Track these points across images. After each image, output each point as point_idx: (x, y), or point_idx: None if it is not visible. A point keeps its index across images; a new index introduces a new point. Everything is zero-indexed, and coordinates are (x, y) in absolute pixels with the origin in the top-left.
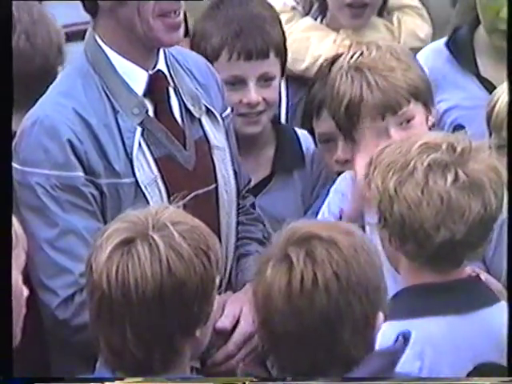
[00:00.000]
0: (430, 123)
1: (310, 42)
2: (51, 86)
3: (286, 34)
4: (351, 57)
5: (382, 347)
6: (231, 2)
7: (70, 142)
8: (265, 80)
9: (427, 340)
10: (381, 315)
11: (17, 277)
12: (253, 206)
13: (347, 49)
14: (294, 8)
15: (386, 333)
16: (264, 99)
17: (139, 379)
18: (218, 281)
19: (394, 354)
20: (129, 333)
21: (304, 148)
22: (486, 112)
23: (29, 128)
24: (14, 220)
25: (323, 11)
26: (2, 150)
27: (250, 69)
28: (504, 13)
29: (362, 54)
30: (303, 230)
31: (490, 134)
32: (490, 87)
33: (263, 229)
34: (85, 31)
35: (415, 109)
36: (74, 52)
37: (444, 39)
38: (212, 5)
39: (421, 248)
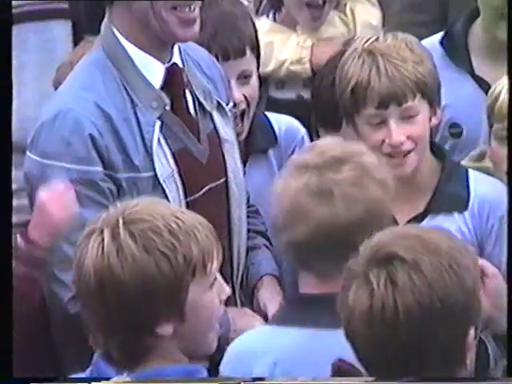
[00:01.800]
0: (432, 124)
1: (273, 47)
2: (70, 79)
3: None
4: (366, 41)
5: None
6: (203, 5)
7: (91, 136)
8: (244, 77)
9: (283, 349)
10: (472, 332)
11: None
12: (248, 199)
13: (310, 49)
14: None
15: (263, 333)
16: (245, 96)
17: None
18: (191, 278)
19: None
20: (88, 323)
21: (276, 128)
22: (488, 104)
23: (51, 121)
24: None
25: (276, 7)
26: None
27: (228, 68)
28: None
29: (377, 39)
30: (386, 250)
31: (491, 127)
32: (484, 86)
33: (264, 221)
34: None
35: (420, 105)
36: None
37: (438, 36)
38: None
39: (282, 249)
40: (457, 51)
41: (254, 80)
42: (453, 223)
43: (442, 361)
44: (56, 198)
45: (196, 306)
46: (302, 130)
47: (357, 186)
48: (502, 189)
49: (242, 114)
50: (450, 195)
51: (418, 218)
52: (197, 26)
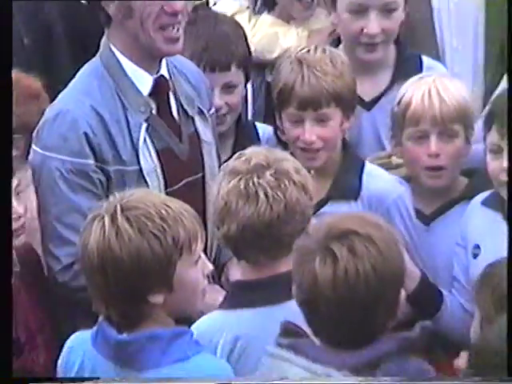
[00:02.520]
0: (344, 127)
1: (277, 36)
2: (71, 84)
3: (254, 31)
4: (300, 50)
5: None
6: (203, 21)
7: (86, 134)
8: (228, 87)
9: (240, 328)
10: (403, 291)
11: None
12: None
13: (306, 38)
14: (248, 7)
15: (216, 320)
16: (227, 103)
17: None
18: (188, 261)
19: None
20: (92, 293)
21: (260, 134)
22: (397, 111)
23: (52, 119)
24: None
25: (269, 6)
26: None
27: (214, 79)
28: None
29: (308, 51)
30: (342, 227)
31: (401, 130)
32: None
33: None
34: None
35: (334, 112)
36: None
37: None
38: (188, 21)
39: (221, 243)
40: None
41: (240, 90)
42: (349, 209)
43: (385, 316)
44: None
45: (182, 279)
46: None
47: (278, 188)
48: (392, 183)
49: (224, 116)
50: (343, 185)
51: (321, 203)
52: (180, 43)
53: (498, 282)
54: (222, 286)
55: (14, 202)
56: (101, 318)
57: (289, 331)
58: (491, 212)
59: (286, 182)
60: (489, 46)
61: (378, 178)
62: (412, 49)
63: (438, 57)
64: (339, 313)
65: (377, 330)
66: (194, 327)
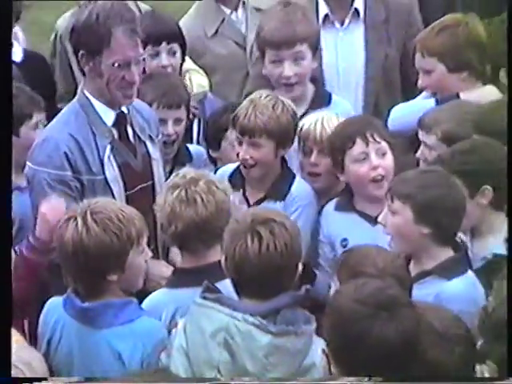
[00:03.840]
0: (278, 153)
1: None
2: (56, 118)
3: None
4: (257, 94)
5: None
6: (159, 76)
7: (65, 153)
8: (178, 121)
9: (179, 302)
10: (300, 264)
11: None
12: None
13: None
14: None
15: (163, 295)
16: (176, 132)
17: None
18: (136, 251)
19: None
20: (65, 272)
21: (192, 151)
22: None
23: (41, 143)
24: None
25: None
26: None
27: (168, 114)
28: None
29: (260, 96)
30: (264, 216)
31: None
32: None
33: None
34: None
35: (265, 142)
36: None
37: None
38: (149, 75)
39: (168, 241)
40: None
41: (184, 123)
42: (276, 206)
43: (288, 279)
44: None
45: (131, 264)
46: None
47: (209, 193)
48: (308, 188)
49: (173, 142)
50: (276, 190)
51: (260, 201)
52: (134, 97)
53: (352, 264)
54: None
55: None
56: (69, 290)
57: (210, 289)
58: (346, 214)
59: (214, 189)
60: (368, 98)
61: (300, 188)
62: None
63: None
64: (260, 275)
65: (281, 288)
66: (146, 300)
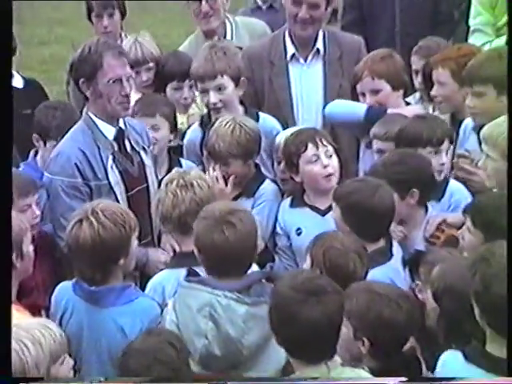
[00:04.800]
0: (247, 164)
1: None
2: (67, 136)
3: None
4: (221, 122)
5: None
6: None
7: (76, 164)
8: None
9: (179, 279)
10: (263, 244)
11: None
12: None
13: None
14: None
15: (165, 274)
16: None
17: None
18: (134, 238)
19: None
20: (83, 265)
21: (184, 165)
22: (272, 148)
23: (55, 156)
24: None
25: None
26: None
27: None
28: None
29: (221, 123)
30: (221, 211)
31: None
32: None
33: None
34: None
35: (233, 161)
36: None
37: None
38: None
39: (169, 230)
40: None
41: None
42: (249, 201)
43: (249, 258)
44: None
45: (131, 249)
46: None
47: (201, 179)
48: (274, 188)
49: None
50: (249, 189)
51: (236, 197)
52: (130, 108)
53: (323, 242)
54: None
55: (35, 209)
56: (76, 277)
57: (192, 273)
58: (299, 208)
59: (204, 176)
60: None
61: (267, 187)
62: (274, 108)
63: (292, 113)
64: (229, 257)
65: (248, 266)
66: (153, 278)
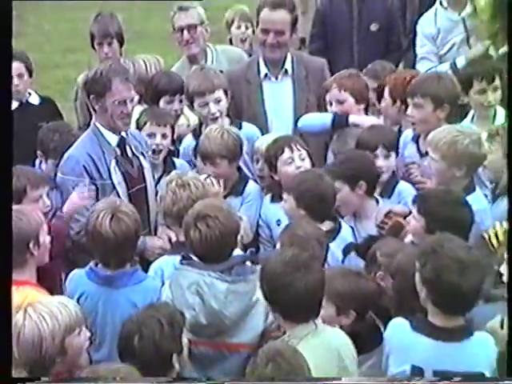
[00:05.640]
0: (233, 165)
1: None
2: (76, 143)
3: None
4: (210, 128)
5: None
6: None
7: (84, 166)
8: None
9: (176, 263)
10: (245, 237)
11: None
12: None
13: None
14: None
15: (165, 260)
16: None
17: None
18: (138, 229)
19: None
20: (100, 253)
21: (177, 164)
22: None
23: (65, 160)
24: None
25: None
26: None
27: (157, 130)
28: None
29: (211, 129)
30: (203, 212)
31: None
32: None
33: None
34: None
35: (220, 161)
36: None
37: None
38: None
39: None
40: None
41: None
42: (237, 200)
43: (231, 247)
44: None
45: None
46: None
47: (196, 180)
48: (257, 187)
49: (160, 151)
50: (235, 188)
51: (225, 196)
52: (130, 124)
53: (289, 231)
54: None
55: (46, 200)
56: (90, 264)
57: (185, 258)
58: (278, 203)
59: (199, 177)
60: (296, 128)
61: (252, 187)
62: (252, 119)
63: (267, 124)
64: (210, 251)
65: (228, 254)
66: (154, 263)
